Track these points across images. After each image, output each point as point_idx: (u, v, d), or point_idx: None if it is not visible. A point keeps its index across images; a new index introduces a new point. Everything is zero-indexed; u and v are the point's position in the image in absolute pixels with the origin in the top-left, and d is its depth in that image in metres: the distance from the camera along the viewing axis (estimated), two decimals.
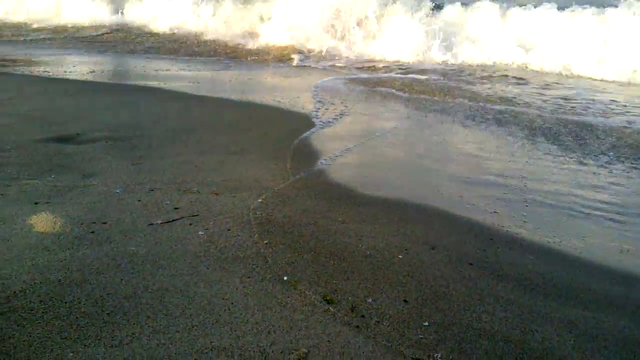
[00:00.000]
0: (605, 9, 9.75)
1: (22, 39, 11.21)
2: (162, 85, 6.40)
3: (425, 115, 5.49)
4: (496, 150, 4.32)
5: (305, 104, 5.68)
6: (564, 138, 4.75)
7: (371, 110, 5.70)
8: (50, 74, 6.86)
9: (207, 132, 4.35)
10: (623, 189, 3.53)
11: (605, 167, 3.97)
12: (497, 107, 5.99)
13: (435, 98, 6.45)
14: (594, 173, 3.83)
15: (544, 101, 6.43)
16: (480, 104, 6.13)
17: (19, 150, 3.59)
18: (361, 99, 6.22)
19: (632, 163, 4.12)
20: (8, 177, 3.07)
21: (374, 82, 7.59)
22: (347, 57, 10.01)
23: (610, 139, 4.78)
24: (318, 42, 10.62)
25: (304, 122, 4.86)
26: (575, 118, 5.55)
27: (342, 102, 5.88)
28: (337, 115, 5.18)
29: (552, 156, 4.19)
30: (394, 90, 6.84)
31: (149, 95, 5.84)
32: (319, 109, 5.43)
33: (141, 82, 6.52)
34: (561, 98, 6.65)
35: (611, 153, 4.34)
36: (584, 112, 5.89)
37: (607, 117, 5.64)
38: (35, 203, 2.71)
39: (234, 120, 4.85)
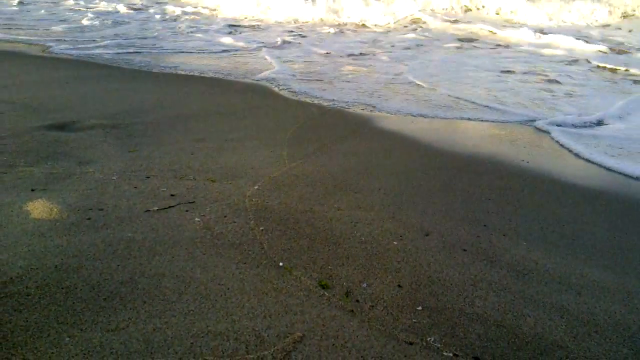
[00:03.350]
0: None
1: None
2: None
3: None
4: None
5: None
6: None
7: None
8: None
9: (204, 119, 4.34)
10: None
11: None
12: None
13: None
14: None
15: None
16: None
17: (15, 137, 3.58)
18: None
19: None
20: (5, 165, 3.07)
21: None
22: None
23: None
24: None
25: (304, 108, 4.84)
26: None
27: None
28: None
29: None
30: None
31: (146, 81, 5.82)
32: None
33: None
34: None
35: None
36: None
37: None
38: (32, 190, 2.71)
39: (231, 105, 4.84)
